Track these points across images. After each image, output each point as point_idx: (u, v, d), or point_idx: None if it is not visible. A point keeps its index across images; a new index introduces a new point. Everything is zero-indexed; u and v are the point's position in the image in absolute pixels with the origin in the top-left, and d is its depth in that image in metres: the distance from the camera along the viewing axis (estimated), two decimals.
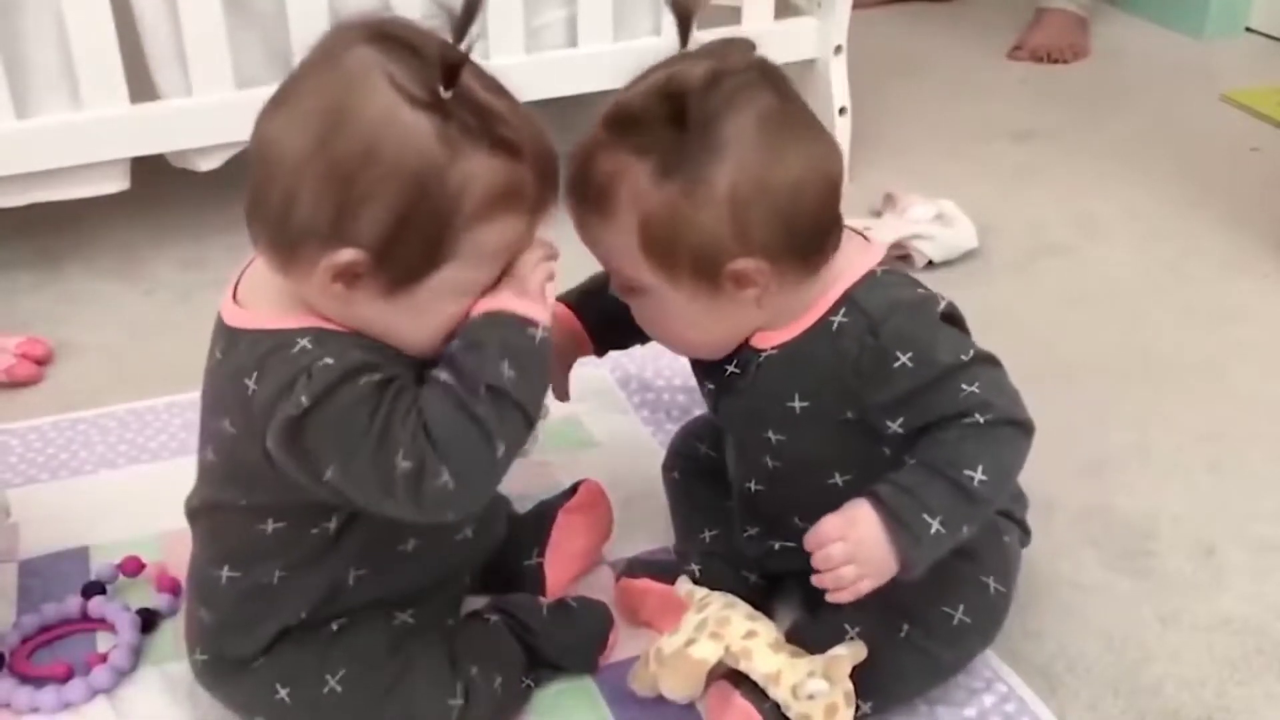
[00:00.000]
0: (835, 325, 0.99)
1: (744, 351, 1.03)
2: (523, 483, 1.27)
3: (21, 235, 1.82)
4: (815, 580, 0.96)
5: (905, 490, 0.95)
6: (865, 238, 1.04)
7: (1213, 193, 1.99)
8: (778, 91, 0.96)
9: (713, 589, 1.08)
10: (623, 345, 1.20)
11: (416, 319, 0.91)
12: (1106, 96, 2.41)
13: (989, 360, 0.99)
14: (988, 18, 2.80)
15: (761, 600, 1.12)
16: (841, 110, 2.01)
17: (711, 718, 1.02)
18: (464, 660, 1.03)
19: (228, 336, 0.93)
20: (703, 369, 1.08)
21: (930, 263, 1.76)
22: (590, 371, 1.50)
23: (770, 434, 1.04)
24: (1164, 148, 2.17)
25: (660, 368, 1.52)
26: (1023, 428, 0.98)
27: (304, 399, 0.86)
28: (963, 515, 0.95)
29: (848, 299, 0.99)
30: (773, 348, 1.01)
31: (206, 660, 1.02)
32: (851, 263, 1.01)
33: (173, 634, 1.12)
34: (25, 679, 1.08)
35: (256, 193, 0.89)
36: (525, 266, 0.93)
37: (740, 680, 1.00)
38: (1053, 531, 1.25)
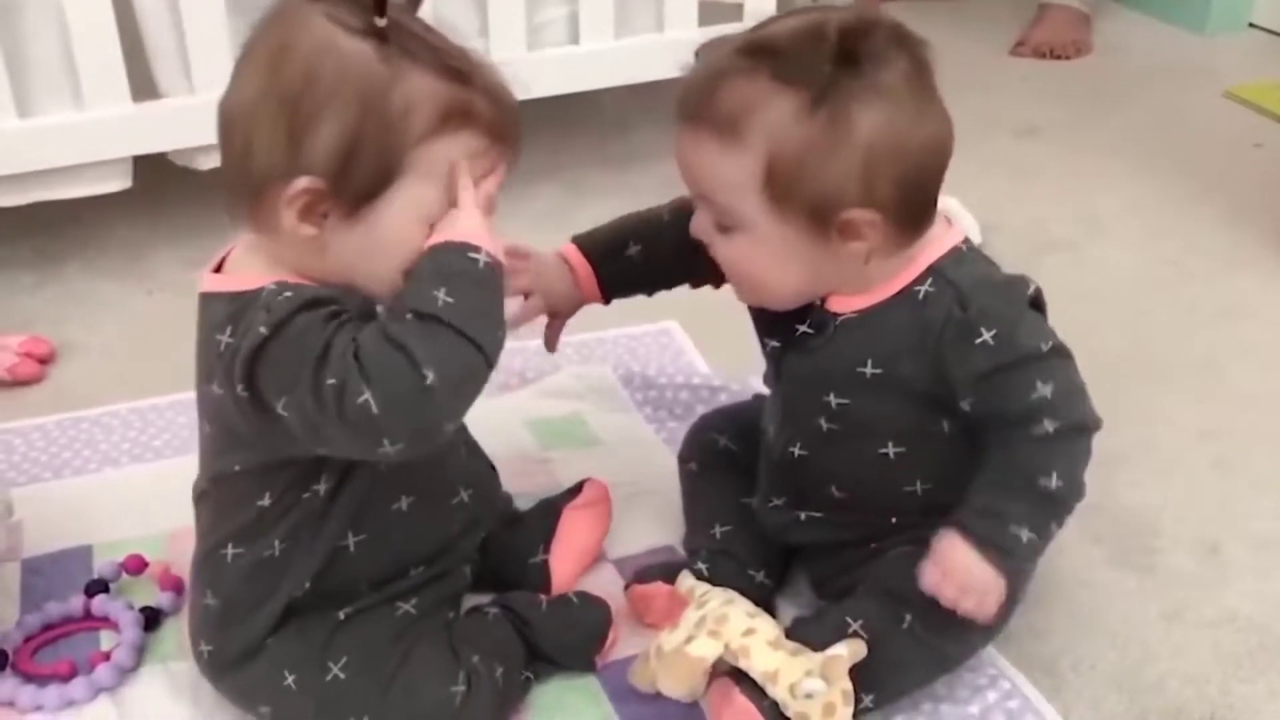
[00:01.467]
0: (922, 294, 1.00)
1: (818, 312, 1.03)
2: (524, 482, 1.27)
3: (24, 234, 1.82)
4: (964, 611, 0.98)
5: (983, 511, 0.97)
6: (947, 219, 1.04)
7: (1215, 189, 1.99)
8: (917, 56, 0.97)
9: (717, 586, 1.08)
10: (634, 294, 1.21)
11: (385, 249, 0.92)
12: (1109, 93, 2.41)
13: (1064, 354, 0.99)
14: (990, 14, 2.79)
15: (766, 599, 1.13)
16: None
17: (713, 715, 1.02)
18: (465, 649, 1.03)
19: (204, 303, 0.95)
20: (769, 325, 1.08)
21: None
22: (593, 370, 1.50)
23: (831, 397, 1.04)
24: (1166, 144, 2.16)
25: (663, 365, 1.52)
26: (1089, 430, 0.99)
27: (263, 329, 0.87)
28: (1047, 516, 0.98)
29: (934, 271, 1.00)
30: (853, 312, 1.02)
31: (211, 651, 1.02)
32: (936, 238, 1.01)
33: (176, 632, 1.12)
34: (29, 677, 1.08)
35: (223, 159, 0.92)
36: (463, 192, 0.92)
37: (741, 677, 1.00)
38: None
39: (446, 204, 0.92)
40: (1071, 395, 0.98)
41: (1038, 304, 1.02)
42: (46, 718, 1.05)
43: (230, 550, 1.00)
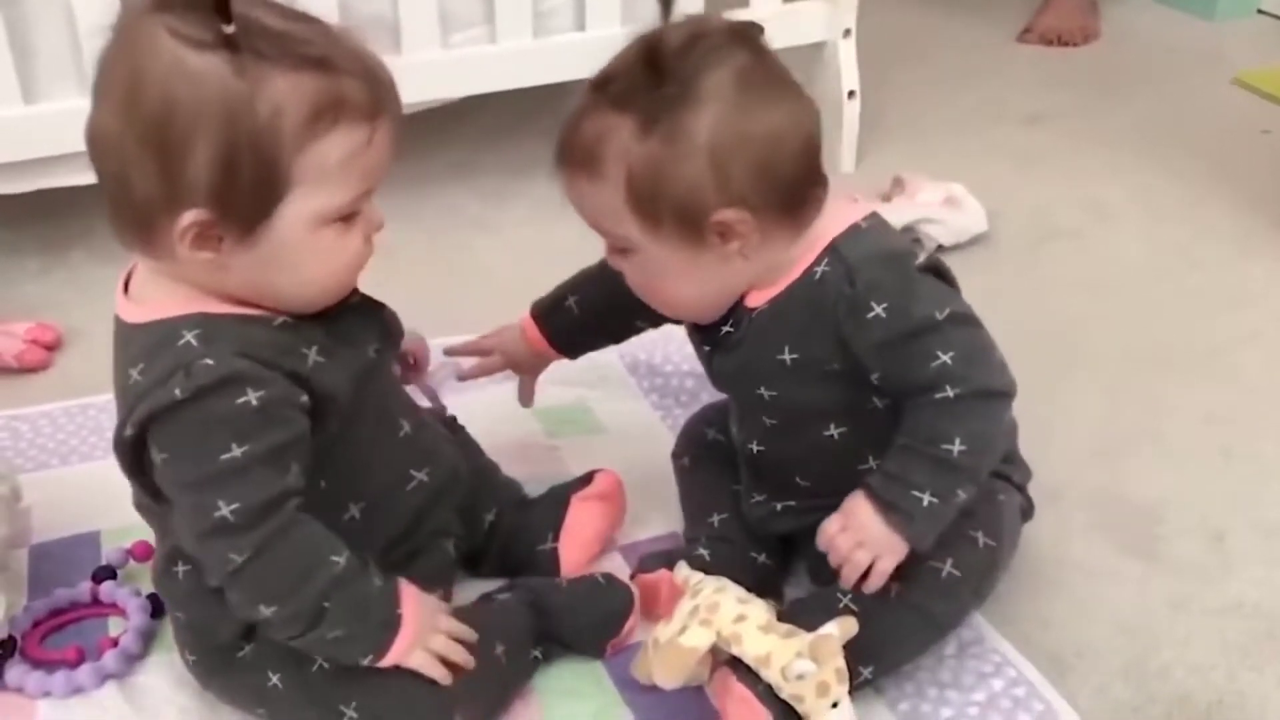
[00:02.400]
0: (818, 275, 1.02)
1: (737, 310, 1.06)
2: (532, 468, 1.28)
3: (29, 221, 1.82)
4: (842, 580, 1.01)
5: (891, 475, 0.99)
6: (853, 197, 1.06)
7: (1223, 176, 1.98)
8: (753, 50, 0.99)
9: (722, 572, 1.08)
10: (594, 346, 1.28)
11: (292, 265, 0.91)
12: (1116, 79, 2.40)
13: (963, 320, 1.00)
14: (997, 0, 2.78)
15: (771, 579, 1.14)
16: (850, 93, 2.00)
17: (718, 703, 1.02)
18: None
19: (123, 333, 0.95)
20: (700, 333, 1.11)
21: (940, 246, 1.75)
22: (600, 357, 1.49)
23: (763, 390, 1.07)
24: (1174, 131, 2.16)
25: (669, 353, 1.52)
26: (996, 395, 1.00)
27: (177, 392, 0.87)
28: (951, 483, 0.99)
29: (831, 249, 1.02)
30: (765, 303, 1.04)
31: (196, 660, 1.03)
32: (835, 218, 1.03)
33: None
34: (37, 663, 1.08)
35: (104, 191, 0.91)
36: (435, 636, 0.98)
37: (738, 665, 1.00)
38: (1062, 517, 1.25)
39: (346, 205, 0.91)
40: (974, 361, 0.99)
41: (940, 272, 1.03)
42: (54, 703, 1.05)
43: (180, 568, 0.99)
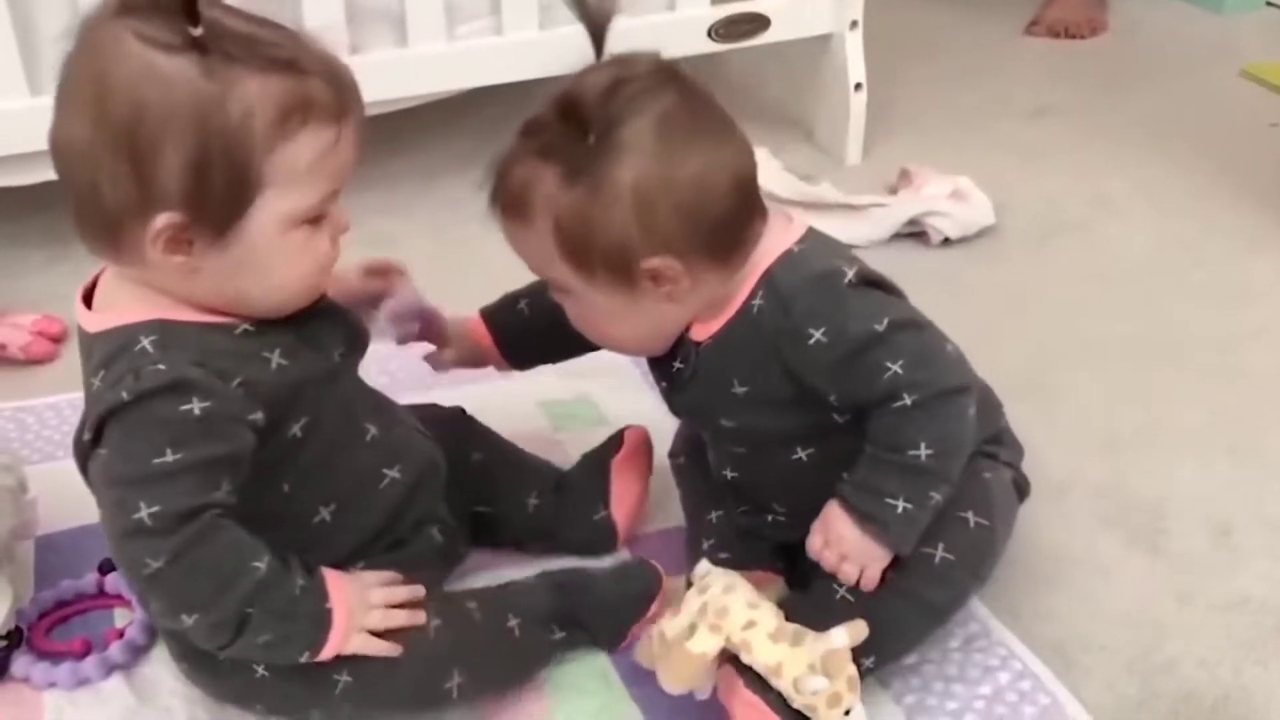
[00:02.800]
0: (755, 309, 1.01)
1: (684, 345, 1.05)
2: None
3: (35, 213, 1.82)
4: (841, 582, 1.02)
5: (860, 485, 1.00)
6: (789, 216, 1.05)
7: (1230, 170, 1.98)
8: (681, 93, 0.97)
9: (734, 560, 1.09)
10: (542, 357, 1.23)
11: (263, 267, 0.92)
12: (1124, 72, 2.39)
13: (905, 325, 0.99)
14: None
15: (783, 557, 1.14)
16: (857, 86, 2.00)
17: (724, 699, 1.01)
18: (469, 600, 1.04)
19: (86, 344, 0.95)
20: (656, 369, 1.10)
21: (946, 240, 1.75)
22: (603, 351, 1.49)
23: (723, 421, 1.07)
24: (1182, 124, 2.15)
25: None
26: (953, 393, 0.99)
27: (124, 394, 0.87)
28: (924, 487, 0.99)
29: (765, 280, 1.01)
30: (708, 338, 1.03)
31: (187, 667, 1.03)
32: (770, 244, 1.02)
33: None
34: (43, 654, 1.08)
35: (72, 198, 0.90)
36: (369, 614, 0.97)
37: (744, 668, 0.99)
38: (1068, 511, 1.25)
39: (316, 206, 0.92)
40: (924, 364, 0.98)
41: (873, 282, 1.01)
42: (60, 695, 1.05)
43: None
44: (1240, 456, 1.35)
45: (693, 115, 0.97)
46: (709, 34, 1.92)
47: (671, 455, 1.27)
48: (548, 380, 1.45)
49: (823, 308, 0.98)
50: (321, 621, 0.94)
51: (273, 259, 0.92)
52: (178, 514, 0.88)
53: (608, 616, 1.09)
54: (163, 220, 0.87)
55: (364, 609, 0.97)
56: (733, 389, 1.03)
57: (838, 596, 1.03)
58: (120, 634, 1.09)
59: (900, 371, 0.97)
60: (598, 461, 1.22)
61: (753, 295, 1.01)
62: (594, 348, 1.14)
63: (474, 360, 1.22)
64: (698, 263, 0.98)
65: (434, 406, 1.22)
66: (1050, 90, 2.31)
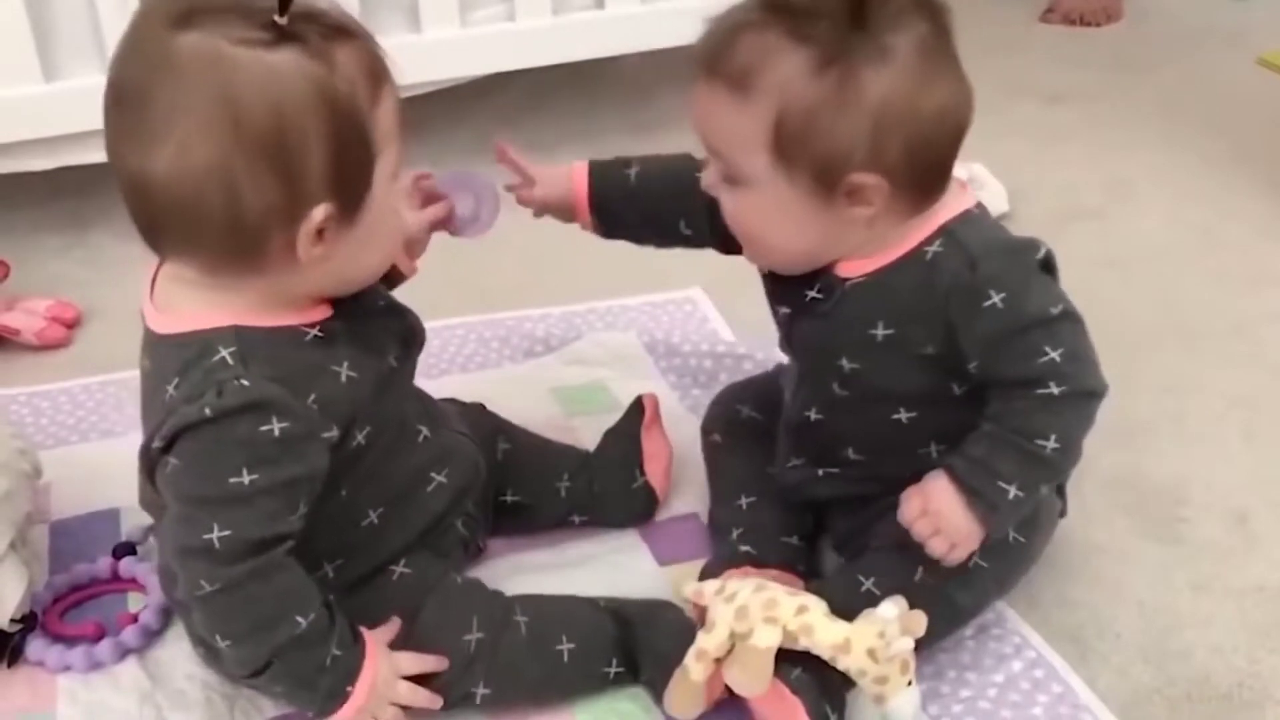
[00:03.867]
0: (930, 255, 0.99)
1: (827, 277, 1.03)
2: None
3: (51, 198, 1.82)
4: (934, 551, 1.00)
5: (977, 462, 0.97)
6: (962, 182, 1.03)
7: (1246, 156, 1.97)
8: (935, 23, 0.96)
9: (757, 555, 1.09)
10: (630, 231, 1.19)
11: (379, 232, 0.93)
12: (1139, 59, 2.38)
13: (1074, 318, 0.99)
14: None
15: (803, 559, 1.13)
16: None
17: (763, 709, 0.99)
18: (520, 612, 1.03)
19: (154, 345, 0.94)
20: (779, 292, 1.08)
21: None
22: (616, 337, 1.50)
23: (844, 361, 1.04)
24: (1197, 111, 2.14)
25: (688, 333, 1.51)
26: (1095, 396, 0.99)
27: (207, 411, 0.87)
28: (1037, 477, 0.98)
29: (945, 232, 0.99)
30: (862, 275, 1.01)
31: (205, 651, 1.03)
32: (947, 202, 1.00)
33: None
34: (57, 638, 1.09)
35: (180, 225, 0.87)
36: (394, 688, 0.97)
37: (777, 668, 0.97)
38: (1084, 498, 1.25)
39: (399, 157, 0.93)
40: (1079, 360, 0.98)
41: (1049, 267, 1.01)
42: (74, 678, 1.06)
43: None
44: (1257, 443, 1.35)
45: (946, 49, 0.96)
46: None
47: (704, 431, 1.26)
48: (561, 366, 1.45)
49: (1011, 277, 0.97)
50: (336, 697, 0.94)
51: (383, 223, 0.93)
52: (247, 542, 0.88)
53: (663, 658, 1.02)
54: (319, 214, 0.86)
55: (383, 699, 0.96)
56: (873, 330, 1.01)
57: (862, 588, 1.02)
58: (134, 618, 1.09)
59: (1058, 360, 0.96)
60: (625, 432, 1.23)
61: (928, 242, 0.99)
62: (685, 236, 1.13)
63: (561, 207, 1.17)
64: (901, 195, 0.96)
65: (454, 401, 1.21)
66: (1065, 77, 2.30)
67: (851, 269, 1.01)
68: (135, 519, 1.20)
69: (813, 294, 1.04)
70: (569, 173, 1.16)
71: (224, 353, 0.88)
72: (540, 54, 1.89)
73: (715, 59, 0.96)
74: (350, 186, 0.88)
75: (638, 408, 1.24)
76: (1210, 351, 1.50)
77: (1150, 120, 2.11)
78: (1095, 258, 1.71)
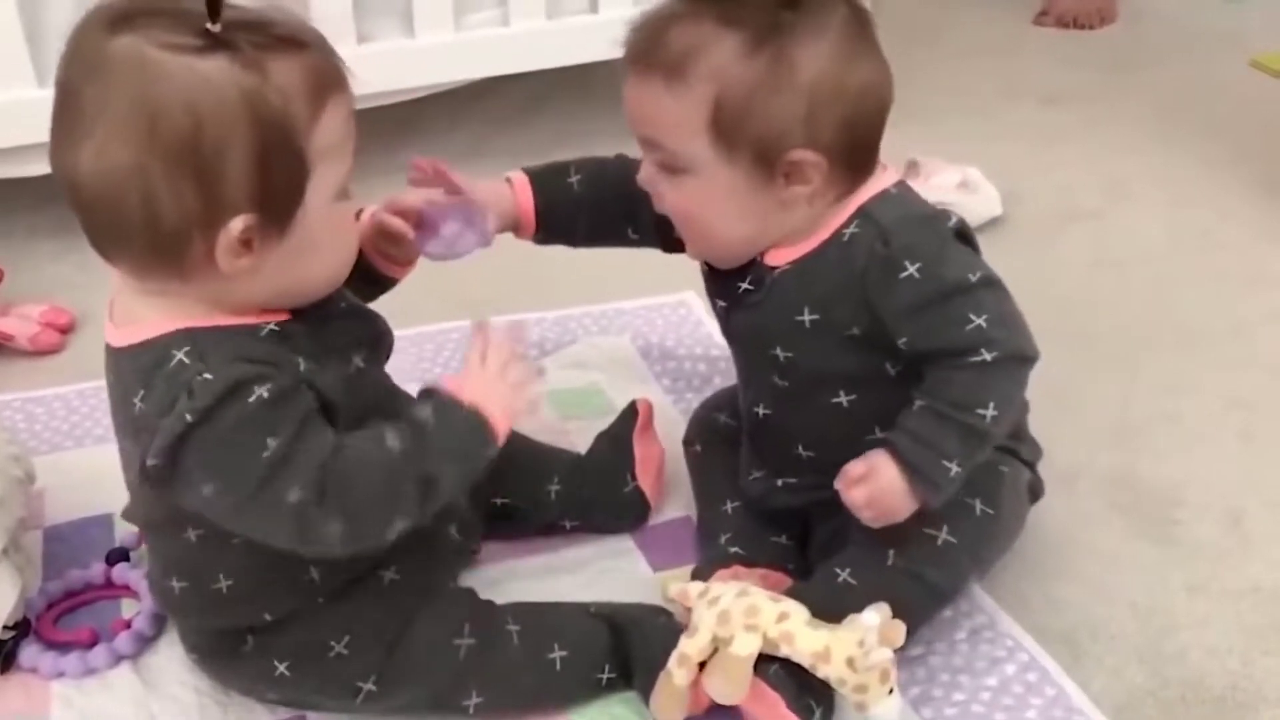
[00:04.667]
0: (847, 236, 1.01)
1: (757, 268, 1.04)
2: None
3: (45, 203, 1.82)
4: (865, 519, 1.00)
5: (921, 441, 0.97)
6: (884, 164, 1.05)
7: (1242, 157, 1.97)
8: (853, 4, 0.99)
9: (746, 555, 1.09)
10: (574, 238, 1.19)
11: (318, 248, 0.91)
12: (1134, 61, 2.38)
13: (994, 284, 0.99)
14: None
15: (795, 559, 1.13)
16: None
17: (746, 707, 0.99)
18: (511, 620, 1.02)
19: (113, 359, 0.93)
20: (716, 286, 1.10)
21: None
22: (611, 341, 1.50)
23: (779, 350, 1.05)
24: (1192, 112, 2.14)
25: (682, 337, 1.51)
26: (1026, 360, 0.99)
27: (188, 416, 0.85)
28: (976, 449, 0.99)
29: (860, 212, 1.01)
30: (787, 263, 1.03)
31: (199, 658, 1.04)
32: (868, 185, 1.02)
33: None
34: (51, 644, 1.09)
35: (102, 224, 0.87)
36: (518, 378, 0.96)
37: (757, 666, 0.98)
38: (1078, 498, 1.25)
39: (347, 173, 0.92)
40: (1007, 325, 0.98)
41: (965, 237, 1.02)
42: (68, 684, 1.06)
43: (175, 583, 0.99)
44: (1254, 444, 1.35)
45: (865, 25, 1.00)
46: None
47: (686, 443, 1.26)
48: (555, 370, 1.45)
49: (924, 247, 0.98)
50: (476, 423, 0.93)
51: (324, 237, 0.91)
52: (315, 477, 0.87)
53: (653, 670, 1.01)
54: (239, 224, 0.85)
55: (497, 381, 0.95)
56: (800, 316, 1.02)
57: (839, 580, 1.03)
58: (127, 624, 1.09)
59: (984, 325, 0.96)
60: (617, 437, 1.23)
61: (846, 224, 1.01)
62: (632, 240, 1.14)
63: (504, 223, 1.15)
64: (836, 172, 0.99)
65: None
66: (1060, 79, 2.30)
67: (779, 257, 1.03)
68: (128, 525, 1.20)
69: (744, 285, 1.06)
70: (509, 188, 1.16)
71: (179, 355, 0.88)
72: (534, 58, 1.89)
73: (648, 52, 0.98)
74: (276, 200, 0.87)
75: (631, 412, 1.24)
76: (1207, 352, 1.50)
77: (1146, 122, 2.11)
78: (1092, 259, 1.71)
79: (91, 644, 1.08)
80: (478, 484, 1.12)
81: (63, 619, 1.12)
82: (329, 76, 0.89)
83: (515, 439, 1.20)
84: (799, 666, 0.97)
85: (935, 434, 0.97)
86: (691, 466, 1.25)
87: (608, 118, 2.11)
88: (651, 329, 1.54)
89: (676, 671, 0.98)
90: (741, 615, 0.97)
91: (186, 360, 0.87)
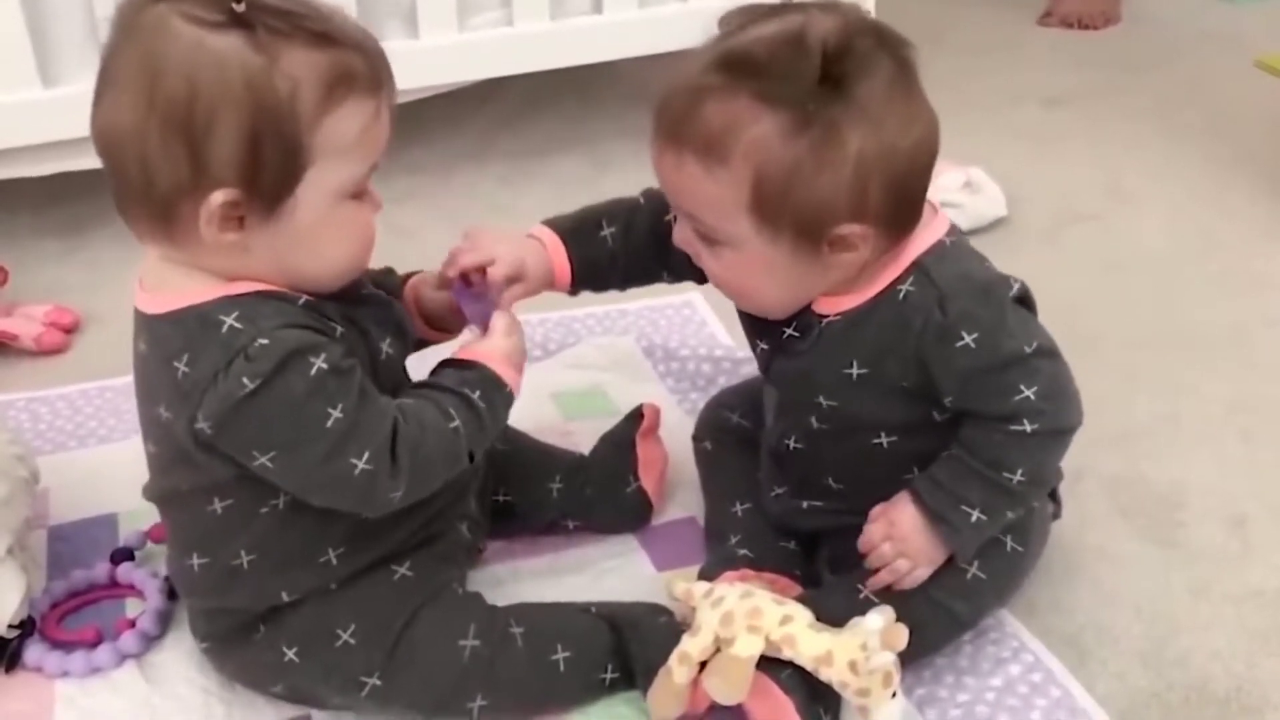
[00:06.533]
0: (903, 294, 0.98)
1: (805, 316, 1.02)
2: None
3: (50, 204, 1.83)
4: (875, 581, 1.01)
5: (942, 487, 0.99)
6: (934, 206, 1.02)
7: (1246, 159, 1.97)
8: (896, 59, 0.94)
9: (754, 558, 1.09)
10: (608, 287, 1.17)
11: (313, 241, 0.92)
12: (1137, 63, 2.38)
13: (1050, 354, 0.98)
14: None
15: (802, 565, 1.13)
16: None
17: (755, 708, 0.99)
18: (516, 623, 1.03)
19: (148, 326, 0.94)
20: (757, 328, 1.07)
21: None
22: (615, 341, 1.50)
23: (821, 399, 1.04)
24: (1196, 114, 2.14)
25: (685, 337, 1.51)
26: (1068, 432, 0.99)
27: (246, 380, 0.86)
28: (1003, 505, 0.99)
29: (917, 267, 0.98)
30: (837, 314, 1.00)
31: (209, 646, 1.04)
32: (920, 233, 0.99)
33: None
34: (55, 644, 1.09)
35: (117, 182, 0.90)
36: (513, 333, 1.02)
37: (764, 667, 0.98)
38: (1082, 502, 1.25)
39: (361, 179, 0.93)
40: (1055, 398, 0.98)
41: (1025, 301, 1.01)
42: (73, 683, 1.06)
43: (195, 560, 0.99)
44: (1256, 447, 1.34)
45: (910, 85, 0.94)
46: (720, 25, 1.91)
47: (695, 439, 1.26)
48: (559, 371, 1.45)
49: (982, 317, 0.96)
50: (498, 384, 0.99)
51: (322, 233, 0.92)
52: (383, 443, 0.91)
53: (654, 671, 1.01)
54: (219, 197, 0.86)
55: (507, 343, 1.02)
56: (849, 369, 1.01)
57: (861, 596, 1.02)
58: (132, 623, 1.09)
59: (1032, 398, 0.96)
60: (620, 439, 1.23)
61: (900, 279, 0.98)
62: (663, 280, 1.14)
63: (541, 286, 1.12)
64: (883, 234, 0.95)
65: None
66: (1063, 80, 2.30)
67: (829, 306, 1.01)
68: (133, 524, 1.20)
69: (790, 332, 1.03)
70: (541, 250, 1.10)
71: (228, 320, 0.89)
72: (538, 59, 1.89)
73: (680, 127, 0.94)
74: (264, 182, 0.87)
75: (636, 415, 1.24)
76: (1209, 355, 1.50)
77: (1149, 123, 2.11)
78: (1094, 261, 1.71)
79: (96, 643, 1.08)
80: (481, 482, 1.13)
81: (67, 618, 1.13)
82: (355, 77, 0.89)
83: (519, 438, 1.21)
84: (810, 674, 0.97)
85: (959, 483, 0.98)
86: (701, 464, 1.25)
87: (611, 118, 2.12)
88: (655, 330, 1.54)
89: (677, 669, 0.98)
90: (745, 616, 0.97)
91: (239, 325, 0.88)
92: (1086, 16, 2.55)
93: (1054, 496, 1.14)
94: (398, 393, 0.99)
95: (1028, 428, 0.96)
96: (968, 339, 0.95)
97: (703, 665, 0.98)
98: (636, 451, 1.21)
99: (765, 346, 1.07)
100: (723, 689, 0.97)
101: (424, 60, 1.81)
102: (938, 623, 1.03)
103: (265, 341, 0.87)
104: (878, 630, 0.95)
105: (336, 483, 0.91)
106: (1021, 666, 1.06)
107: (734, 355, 1.45)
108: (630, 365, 1.47)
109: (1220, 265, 1.70)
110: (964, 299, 0.96)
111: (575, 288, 1.14)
